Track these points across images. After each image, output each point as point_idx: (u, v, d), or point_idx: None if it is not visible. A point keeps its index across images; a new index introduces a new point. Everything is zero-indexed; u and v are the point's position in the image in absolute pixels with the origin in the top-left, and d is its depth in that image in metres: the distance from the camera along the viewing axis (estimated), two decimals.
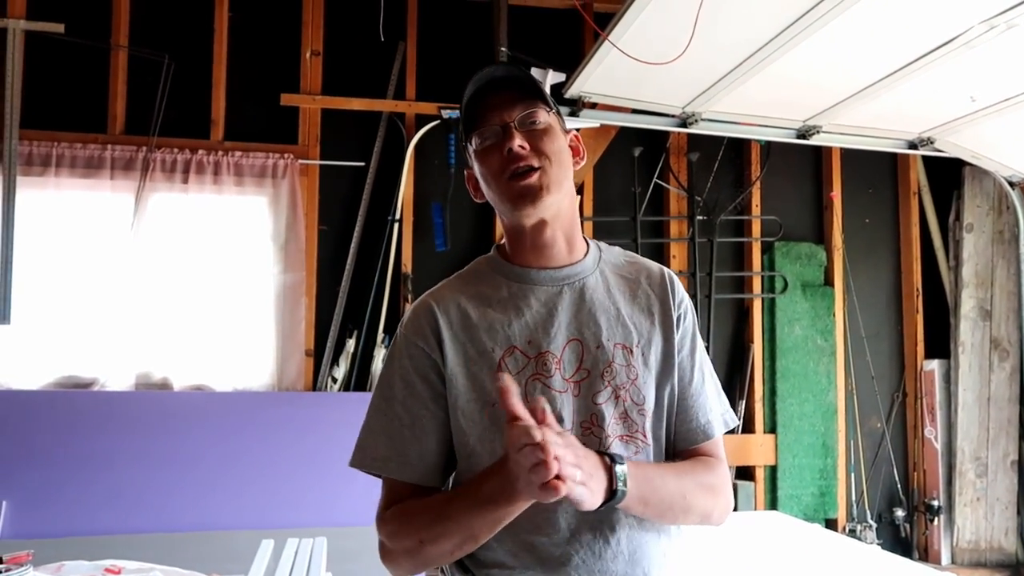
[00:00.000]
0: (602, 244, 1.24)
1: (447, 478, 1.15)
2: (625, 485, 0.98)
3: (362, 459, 1.13)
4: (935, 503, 3.87)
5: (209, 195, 3.39)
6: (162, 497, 3.05)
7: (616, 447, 1.08)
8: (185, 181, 3.37)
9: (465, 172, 1.22)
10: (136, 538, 2.89)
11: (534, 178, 1.09)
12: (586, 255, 1.19)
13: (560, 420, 1.05)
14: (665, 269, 1.23)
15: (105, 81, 3.42)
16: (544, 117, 1.12)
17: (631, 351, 1.12)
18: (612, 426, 1.09)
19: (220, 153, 3.39)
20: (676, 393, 1.17)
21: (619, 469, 0.97)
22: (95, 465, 3.04)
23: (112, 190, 3.32)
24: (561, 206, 1.13)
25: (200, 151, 3.38)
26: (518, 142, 1.08)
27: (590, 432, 1.08)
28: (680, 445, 1.19)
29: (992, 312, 3.96)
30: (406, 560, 1.08)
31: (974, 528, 3.87)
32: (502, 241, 1.22)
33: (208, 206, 3.40)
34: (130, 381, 3.27)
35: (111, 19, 3.43)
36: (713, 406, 1.20)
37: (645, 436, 1.11)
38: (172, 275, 3.36)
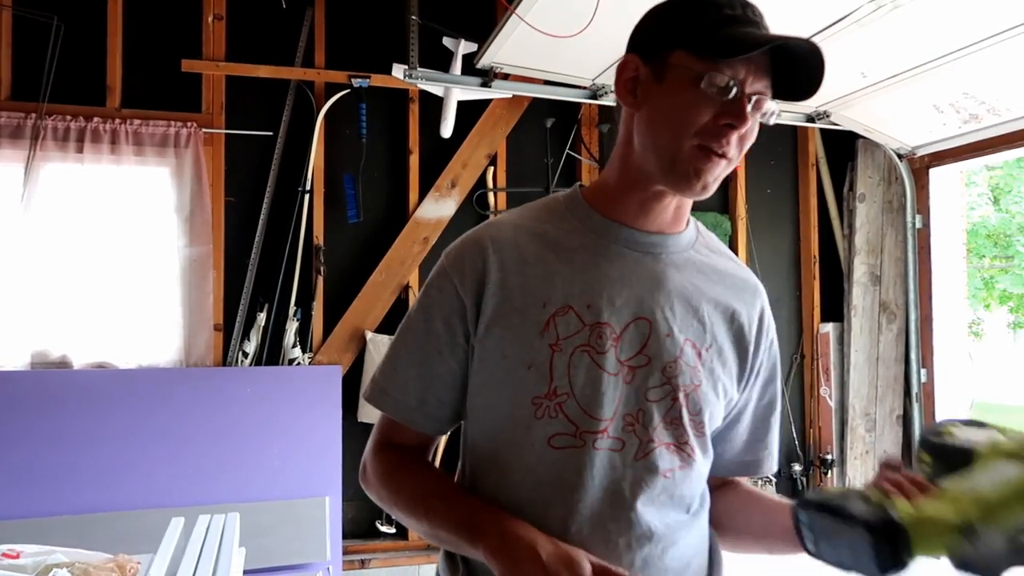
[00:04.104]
0: (702, 227, 1.08)
1: (448, 429, 1.05)
2: None
3: (369, 389, 1.04)
4: (829, 457, 4.12)
5: (107, 165, 3.24)
6: (63, 479, 2.95)
7: (661, 456, 0.95)
8: (80, 151, 3.20)
9: (627, 58, 0.96)
10: (37, 522, 2.79)
11: (720, 168, 0.91)
12: (685, 230, 1.03)
13: (601, 407, 0.93)
14: (762, 289, 1.08)
15: None
16: (767, 108, 0.91)
17: (700, 353, 0.97)
18: (660, 430, 0.94)
19: (117, 121, 3.24)
20: (736, 420, 1.07)
21: None
22: None
23: None
24: None
25: (96, 119, 3.22)
26: (745, 129, 0.89)
27: (633, 430, 0.94)
28: (717, 473, 1.07)
29: (882, 277, 4.21)
30: (379, 501, 1.04)
31: (863, 479, 4.14)
32: (583, 184, 1.06)
33: (106, 177, 3.24)
34: (25, 360, 3.12)
35: None
36: (769, 444, 1.12)
37: (693, 451, 0.97)
38: (69, 249, 3.20)
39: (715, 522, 1.07)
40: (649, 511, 0.94)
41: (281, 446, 3.17)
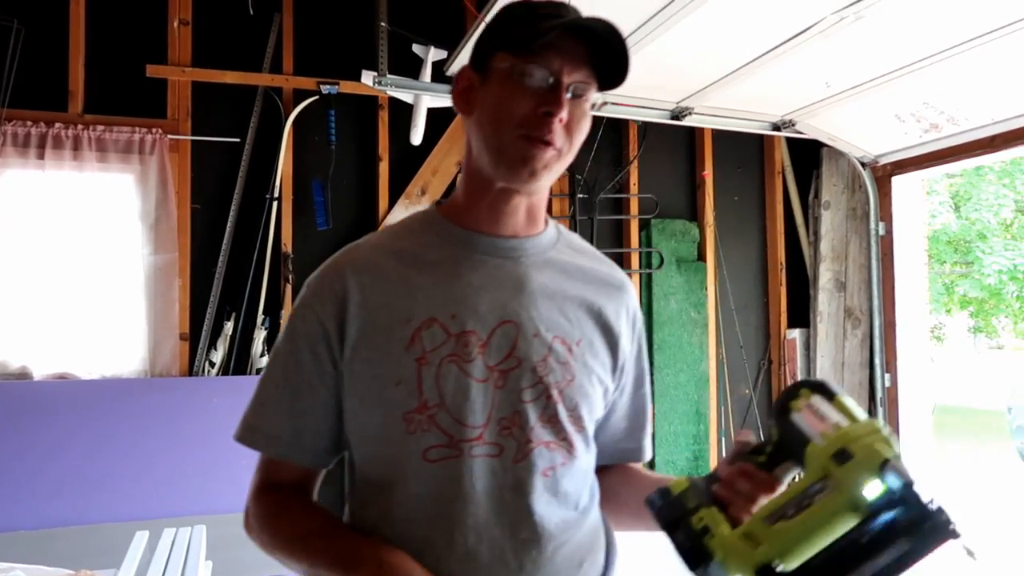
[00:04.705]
0: (563, 228, 1.11)
1: (329, 461, 1.04)
2: None
3: (240, 427, 1.03)
4: None
5: (69, 172, 3.18)
6: (23, 492, 2.87)
7: (540, 455, 0.95)
8: (41, 157, 3.14)
9: (460, 69, 1.01)
10: None
11: (548, 155, 0.94)
12: (543, 232, 1.05)
13: (473, 415, 0.93)
14: (628, 281, 1.11)
15: None
16: (591, 96, 0.95)
17: (570, 349, 0.99)
18: (537, 429, 0.95)
19: (80, 127, 3.18)
20: (614, 410, 1.09)
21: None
22: None
23: None
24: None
25: (57, 124, 3.16)
26: (563, 115, 0.92)
27: (509, 434, 0.94)
28: (603, 460, 1.10)
29: (846, 283, 4.28)
30: (261, 547, 1.01)
31: None
32: (443, 200, 1.08)
33: (68, 184, 3.18)
34: None
35: None
36: (647, 432, 1.15)
37: (573, 447, 0.98)
38: (30, 258, 3.14)
39: (600, 500, 1.08)
40: (535, 512, 0.94)
41: (249, 457, 3.12)
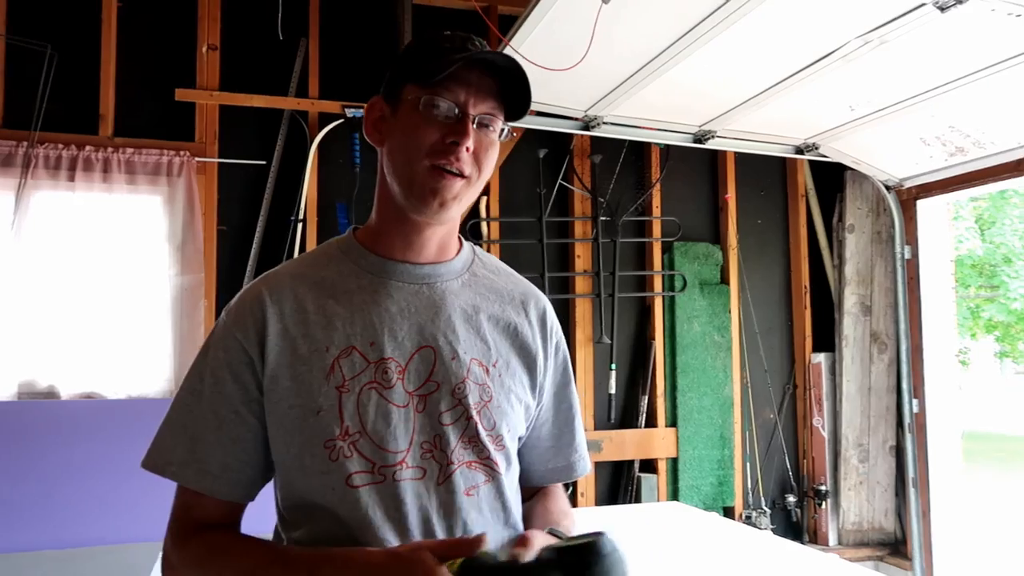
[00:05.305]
0: (479, 250, 1.13)
1: (256, 492, 1.02)
2: None
3: (155, 460, 0.98)
4: (823, 488, 4.10)
5: (99, 194, 3.23)
6: (50, 512, 2.89)
7: (462, 475, 0.97)
8: (72, 179, 3.20)
9: (372, 100, 1.04)
10: (22, 556, 2.73)
11: (458, 186, 0.96)
12: (456, 256, 1.07)
13: (395, 440, 0.94)
14: (545, 300, 1.14)
15: None
16: (499, 127, 0.99)
17: (487, 370, 1.01)
18: (458, 451, 0.97)
19: (110, 150, 3.24)
20: (539, 431, 1.11)
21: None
22: None
23: None
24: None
25: (88, 147, 3.22)
26: (470, 144, 0.95)
27: (432, 456, 0.95)
28: (533, 483, 1.13)
29: (872, 307, 4.23)
30: None
31: (857, 510, 4.13)
32: (359, 226, 1.09)
33: (98, 205, 3.23)
34: (12, 390, 3.08)
35: None
36: (577, 448, 1.16)
37: (496, 466, 1.00)
38: (59, 278, 3.18)
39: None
40: (463, 532, 0.95)
41: None
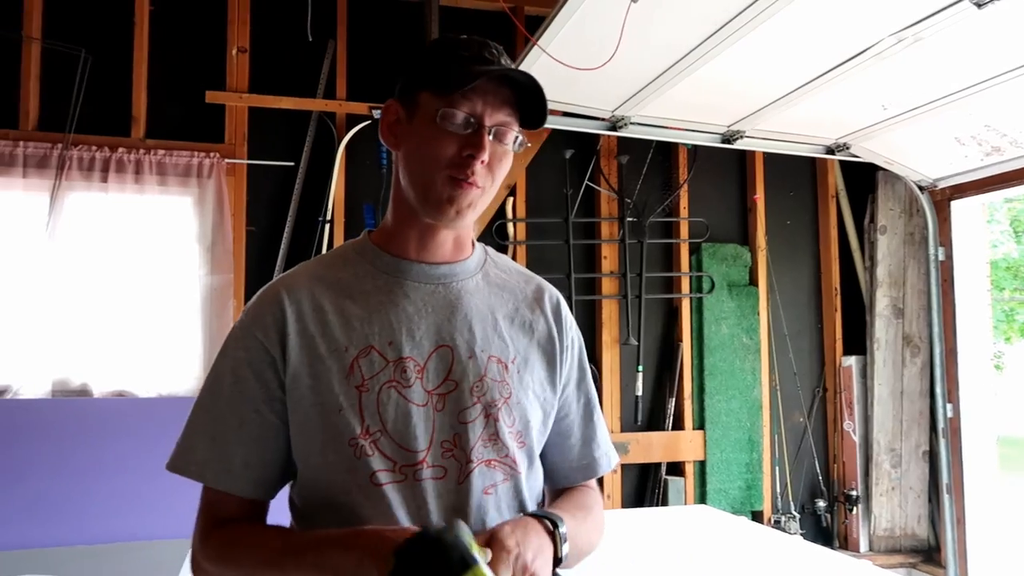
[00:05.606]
0: (491, 250, 1.14)
1: (277, 490, 1.03)
2: (567, 545, 0.93)
3: (178, 461, 0.99)
4: (854, 493, 4.04)
5: (130, 195, 3.27)
6: (82, 508, 2.93)
7: (480, 474, 0.97)
8: (104, 180, 3.24)
9: (388, 103, 1.04)
10: (54, 552, 2.77)
11: (472, 195, 0.97)
12: (470, 256, 1.08)
13: (415, 438, 0.95)
14: (557, 294, 1.15)
15: (16, 75, 3.27)
16: (513, 138, 0.99)
17: (506, 367, 1.02)
18: (478, 449, 0.97)
19: (142, 151, 3.28)
20: (560, 427, 1.11)
21: (562, 532, 0.92)
22: (9, 476, 2.90)
23: (25, 189, 3.18)
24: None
25: (120, 149, 3.27)
26: (486, 156, 0.96)
27: (452, 455, 0.96)
28: (560, 482, 1.13)
29: (904, 310, 4.16)
30: None
31: (889, 516, 4.06)
32: (373, 229, 1.10)
33: (129, 206, 3.28)
34: (46, 388, 3.13)
35: (22, 10, 3.28)
36: (600, 443, 1.15)
37: (515, 463, 1.00)
38: (91, 277, 3.23)
39: None
40: (483, 530, 0.94)
41: None
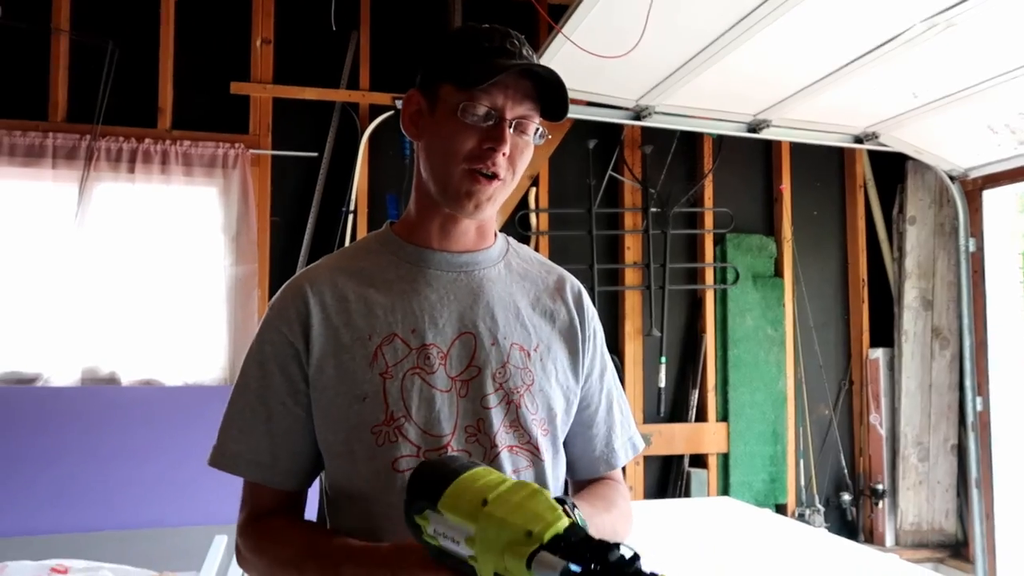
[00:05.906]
0: (513, 240, 1.16)
1: (311, 481, 1.05)
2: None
3: (214, 455, 1.02)
4: (880, 487, 3.99)
5: (157, 185, 3.30)
6: (110, 494, 2.98)
7: (504, 459, 0.98)
8: (131, 171, 3.28)
9: (409, 94, 1.05)
10: (83, 537, 2.82)
11: (493, 187, 0.98)
12: (492, 245, 1.09)
13: (440, 424, 0.96)
14: (579, 284, 1.15)
15: (46, 67, 3.31)
16: (534, 130, 1.00)
17: (528, 354, 1.03)
18: (501, 434, 0.98)
19: (168, 142, 3.31)
20: (581, 417, 1.10)
21: (579, 517, 0.90)
22: (39, 463, 2.95)
23: (54, 180, 3.22)
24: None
25: (147, 140, 3.30)
26: (507, 149, 0.97)
27: (476, 440, 0.97)
28: (581, 473, 1.13)
29: (933, 302, 4.09)
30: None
31: (916, 510, 4.01)
32: (395, 220, 1.12)
33: (156, 196, 3.31)
34: (76, 376, 3.18)
35: (51, 3, 3.32)
36: (620, 433, 1.15)
37: (538, 450, 1.01)
38: (119, 267, 3.27)
39: None
40: None
41: None
